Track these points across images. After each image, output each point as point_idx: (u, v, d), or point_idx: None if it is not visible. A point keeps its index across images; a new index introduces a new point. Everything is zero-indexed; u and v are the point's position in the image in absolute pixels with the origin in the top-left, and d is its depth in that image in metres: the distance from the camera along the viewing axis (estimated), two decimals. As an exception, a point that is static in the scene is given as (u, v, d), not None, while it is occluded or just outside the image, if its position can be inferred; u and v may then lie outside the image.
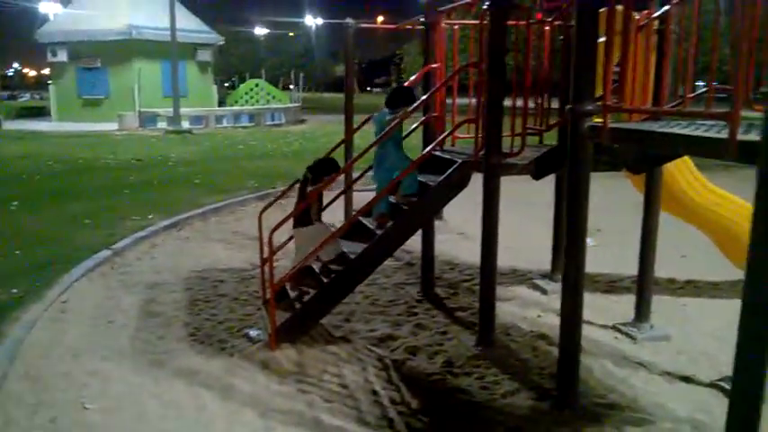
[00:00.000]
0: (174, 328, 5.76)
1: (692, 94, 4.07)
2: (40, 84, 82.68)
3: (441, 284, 7.05)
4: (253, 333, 5.50)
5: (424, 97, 5.86)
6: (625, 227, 7.57)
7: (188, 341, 5.47)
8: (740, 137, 2.86)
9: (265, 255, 5.58)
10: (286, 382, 4.73)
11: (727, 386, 4.39)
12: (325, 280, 5.42)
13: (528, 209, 10.04)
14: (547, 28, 5.83)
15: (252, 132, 27.32)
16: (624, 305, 6.13)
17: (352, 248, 5.46)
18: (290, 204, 5.87)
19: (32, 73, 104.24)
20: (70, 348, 5.32)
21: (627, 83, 3.79)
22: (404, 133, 5.93)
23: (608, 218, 9.21)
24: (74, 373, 4.88)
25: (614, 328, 5.73)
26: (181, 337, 5.57)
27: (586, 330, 5.72)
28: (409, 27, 7.94)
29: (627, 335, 5.59)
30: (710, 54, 3.79)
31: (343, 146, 7.44)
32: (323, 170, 5.61)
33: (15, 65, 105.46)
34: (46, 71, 42.88)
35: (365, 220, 5.79)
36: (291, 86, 42.42)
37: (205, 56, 34.13)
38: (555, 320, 4.78)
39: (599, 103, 3.81)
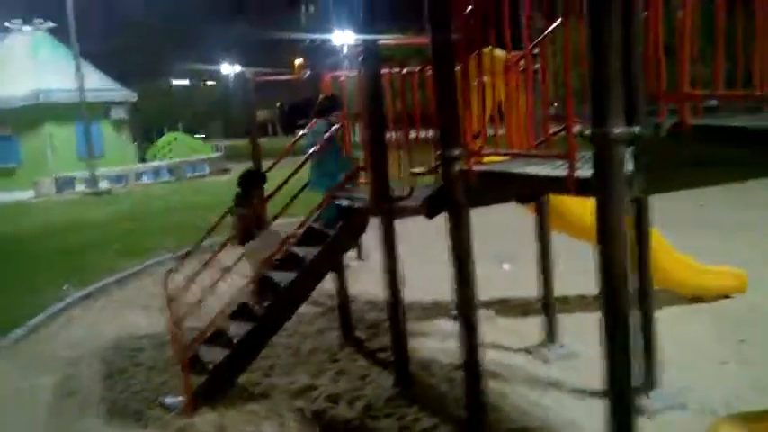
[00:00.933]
0: (90, 405, 5.64)
1: (553, 132, 4.36)
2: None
3: (362, 326, 7.14)
4: (169, 401, 5.43)
5: (315, 149, 6.03)
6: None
7: (104, 417, 5.37)
8: (578, 173, 3.13)
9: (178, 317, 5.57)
10: (205, 447, 4.71)
11: (636, 398, 4.64)
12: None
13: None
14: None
15: (173, 186, 26.95)
16: (539, 327, 6.36)
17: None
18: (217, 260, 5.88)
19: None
20: (-21, 440, 5.14)
21: (473, 124, 4.06)
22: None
23: (526, 242, 9.51)
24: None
25: (527, 350, 5.95)
26: (98, 413, 5.46)
27: (501, 356, 5.97)
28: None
29: (538, 356, 5.80)
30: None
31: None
32: (251, 182, 5.81)
33: None
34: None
35: (272, 274, 5.86)
36: (196, 136, 42.13)
37: (120, 113, 33.50)
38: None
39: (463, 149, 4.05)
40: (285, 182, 6.19)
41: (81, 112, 26.69)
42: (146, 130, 45.36)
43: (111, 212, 19.15)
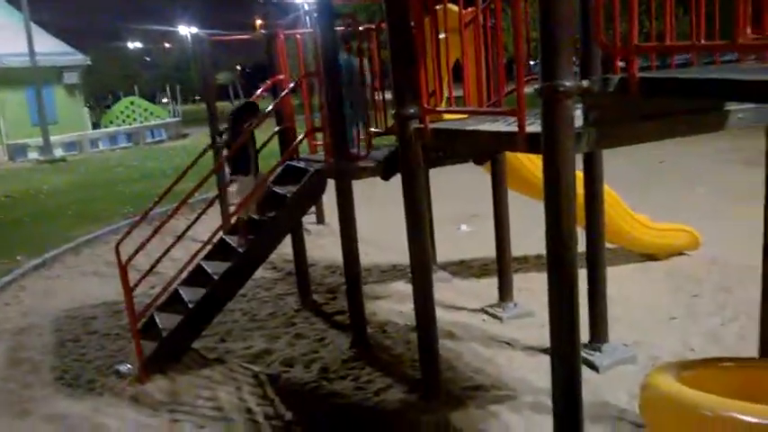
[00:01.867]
0: (41, 374, 5.52)
1: (508, 91, 4.31)
2: None
3: (321, 290, 7.11)
4: (123, 368, 5.34)
5: (270, 107, 5.89)
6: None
7: (55, 386, 5.26)
8: (528, 129, 3.09)
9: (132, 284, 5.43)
10: (158, 413, 4.64)
11: (586, 354, 4.71)
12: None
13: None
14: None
15: (131, 152, 26.34)
16: (496, 287, 6.39)
17: (216, 268, 5.41)
18: (169, 224, 5.70)
19: None
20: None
21: (436, 82, 3.98)
22: (258, 145, 5.93)
23: (486, 203, 9.54)
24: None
25: (482, 310, 5.98)
26: (47, 382, 5.34)
27: (458, 316, 6.01)
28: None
29: (494, 316, 5.85)
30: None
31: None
32: (246, 110, 5.70)
33: None
34: None
35: (228, 239, 5.76)
36: (165, 100, 41.15)
37: (72, 78, 32.43)
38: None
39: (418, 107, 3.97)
40: (239, 144, 6.05)
41: (33, 76, 25.77)
42: (101, 95, 44.12)
43: (66, 180, 18.65)
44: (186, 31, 63.68)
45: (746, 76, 2.69)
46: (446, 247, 7.64)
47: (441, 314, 5.05)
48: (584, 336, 4.79)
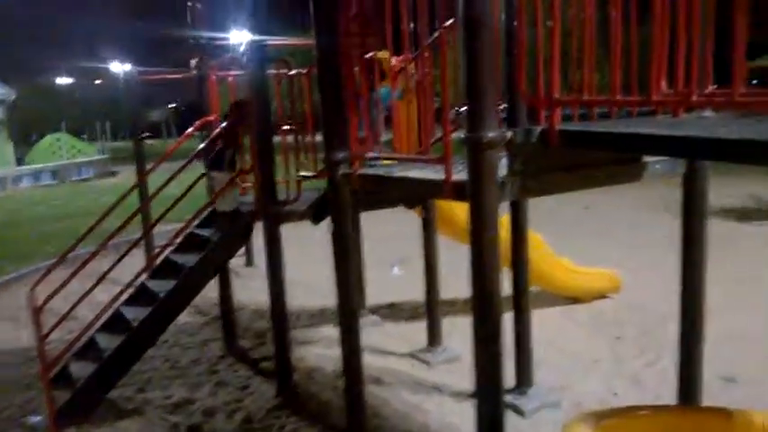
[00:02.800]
0: (-59, 428, 5.14)
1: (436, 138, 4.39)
2: None
3: (248, 335, 6.93)
4: (33, 419, 5.05)
5: (202, 146, 5.81)
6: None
7: (-42, 441, 4.91)
8: (455, 177, 3.14)
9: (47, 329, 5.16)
10: (68, 469, 4.38)
11: (511, 398, 4.73)
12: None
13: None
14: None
15: (56, 190, 25.39)
16: (425, 331, 6.38)
17: (137, 314, 5.21)
18: (94, 266, 5.46)
19: None
20: None
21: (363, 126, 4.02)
22: (183, 189, 5.82)
23: (418, 246, 9.60)
24: None
25: (411, 355, 5.95)
26: (-52, 437, 4.99)
27: (387, 361, 5.96)
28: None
29: (422, 360, 5.82)
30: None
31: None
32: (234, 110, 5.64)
33: None
34: None
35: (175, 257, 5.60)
36: (83, 137, 40.16)
37: (-4, 113, 31.32)
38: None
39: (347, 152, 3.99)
40: (165, 184, 5.91)
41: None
42: (26, 131, 42.64)
43: (-17, 218, 17.79)
44: (119, 67, 62.54)
45: (659, 131, 2.82)
46: (377, 290, 7.62)
47: (369, 359, 5.01)
48: (510, 380, 4.84)
